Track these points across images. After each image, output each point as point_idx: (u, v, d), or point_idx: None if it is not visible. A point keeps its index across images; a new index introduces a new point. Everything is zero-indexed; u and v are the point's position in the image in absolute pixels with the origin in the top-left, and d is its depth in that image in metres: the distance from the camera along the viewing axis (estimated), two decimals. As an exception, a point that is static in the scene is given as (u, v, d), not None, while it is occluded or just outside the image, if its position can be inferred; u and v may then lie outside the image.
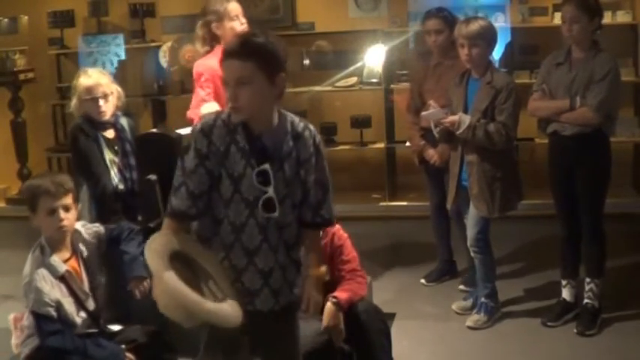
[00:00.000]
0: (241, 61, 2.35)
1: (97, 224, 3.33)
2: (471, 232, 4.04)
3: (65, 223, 3.05)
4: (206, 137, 2.42)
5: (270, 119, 2.46)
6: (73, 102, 3.77)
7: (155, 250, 2.35)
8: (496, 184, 3.91)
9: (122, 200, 3.74)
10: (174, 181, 2.47)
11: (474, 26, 3.87)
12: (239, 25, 3.87)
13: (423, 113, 4.15)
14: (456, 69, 4.30)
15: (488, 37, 3.90)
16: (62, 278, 3.02)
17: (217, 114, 2.49)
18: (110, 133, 3.80)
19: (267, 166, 2.43)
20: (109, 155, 3.76)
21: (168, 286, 2.27)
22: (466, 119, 3.88)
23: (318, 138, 2.57)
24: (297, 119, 2.55)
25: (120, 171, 3.77)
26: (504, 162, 3.95)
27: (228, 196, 2.44)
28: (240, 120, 2.42)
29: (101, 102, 3.73)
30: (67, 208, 3.06)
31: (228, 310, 2.36)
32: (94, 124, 3.76)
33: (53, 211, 3.02)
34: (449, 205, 4.25)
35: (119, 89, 3.86)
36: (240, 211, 2.45)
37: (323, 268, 2.61)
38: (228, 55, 2.39)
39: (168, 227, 2.48)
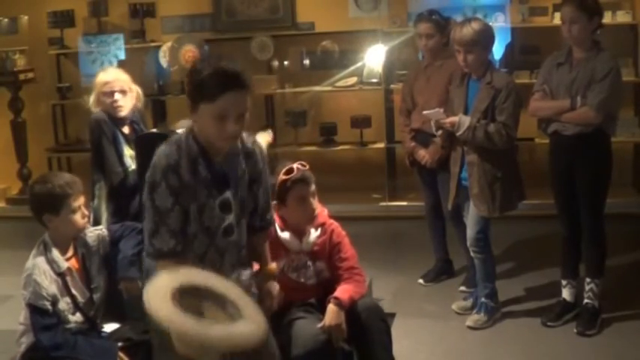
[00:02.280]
0: (245, 91, 2.37)
1: (101, 227, 3.35)
2: (470, 231, 4.03)
3: (86, 220, 3.15)
4: (175, 173, 2.40)
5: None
6: (92, 98, 3.77)
7: (155, 295, 2.20)
8: (497, 183, 3.90)
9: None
10: (148, 223, 2.43)
11: (467, 32, 3.80)
12: None
13: (425, 112, 4.13)
14: (446, 69, 4.34)
15: (483, 41, 3.84)
16: (62, 276, 3.04)
17: (176, 146, 2.43)
18: (126, 129, 3.82)
19: (228, 194, 2.49)
20: (128, 151, 3.77)
21: (171, 326, 2.12)
22: (466, 120, 3.85)
23: (264, 149, 2.68)
24: (244, 134, 2.55)
25: None
26: (505, 162, 3.94)
27: (195, 228, 2.47)
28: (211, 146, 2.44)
29: (118, 96, 3.76)
30: (85, 206, 3.14)
31: (243, 328, 2.18)
32: (112, 120, 3.76)
33: (75, 211, 3.07)
34: (449, 205, 4.24)
35: (139, 90, 3.89)
36: (202, 241, 2.50)
37: (273, 265, 2.78)
38: (231, 86, 2.33)
39: (162, 267, 2.42)
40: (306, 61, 6.73)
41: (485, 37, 3.86)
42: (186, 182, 2.41)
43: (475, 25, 3.84)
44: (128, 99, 3.80)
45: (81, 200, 3.11)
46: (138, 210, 3.65)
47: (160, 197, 2.40)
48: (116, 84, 3.76)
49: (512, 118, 3.85)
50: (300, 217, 3.16)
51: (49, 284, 2.99)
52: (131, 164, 3.76)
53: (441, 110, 4.01)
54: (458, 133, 3.89)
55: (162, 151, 2.44)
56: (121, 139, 3.76)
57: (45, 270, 3.01)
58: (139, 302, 3.15)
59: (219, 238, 2.51)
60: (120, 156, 3.73)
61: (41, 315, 2.96)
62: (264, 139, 3.39)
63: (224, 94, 2.32)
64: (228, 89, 2.32)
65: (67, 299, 3.04)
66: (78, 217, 3.09)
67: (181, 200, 2.41)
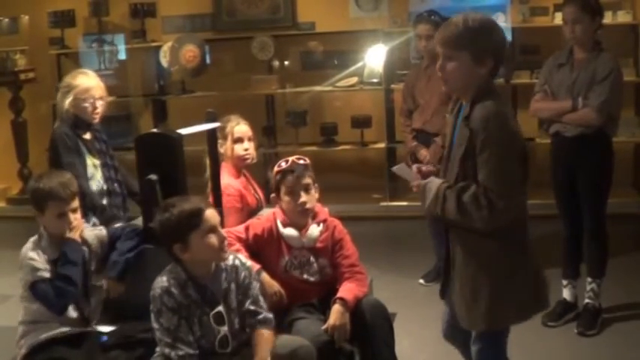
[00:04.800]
0: None
1: (101, 227, 3.35)
2: (473, 347, 2.69)
3: (75, 224, 3.11)
4: (171, 296, 2.72)
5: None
6: (69, 100, 3.76)
7: None
8: (484, 289, 2.53)
9: (108, 199, 3.80)
10: (165, 346, 2.70)
11: (451, 29, 2.51)
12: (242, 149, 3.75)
13: (394, 168, 2.83)
14: None
15: (471, 44, 2.47)
16: (55, 265, 3.04)
17: (166, 275, 2.76)
18: (88, 135, 3.83)
19: (220, 307, 2.78)
20: (91, 160, 3.79)
21: None
22: (433, 186, 2.55)
23: (246, 262, 2.91)
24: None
25: (103, 172, 3.82)
26: (499, 255, 2.53)
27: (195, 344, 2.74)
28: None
29: (99, 104, 3.76)
30: (74, 210, 3.11)
31: None
32: (75, 126, 3.76)
33: (63, 215, 3.06)
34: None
35: (108, 97, 3.90)
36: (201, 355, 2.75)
37: None
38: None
39: None
40: (305, 61, 6.73)
41: (478, 39, 2.48)
42: (179, 301, 2.72)
43: (469, 19, 2.50)
44: (103, 106, 3.82)
45: (73, 204, 3.09)
46: (108, 214, 3.71)
47: (166, 319, 2.71)
48: (97, 91, 3.77)
49: (499, 176, 2.42)
50: (291, 209, 3.19)
51: (44, 263, 3.01)
52: (94, 173, 3.78)
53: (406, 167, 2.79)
54: (424, 206, 2.58)
55: (155, 282, 2.77)
56: (83, 149, 3.77)
57: (38, 252, 3.03)
58: (139, 303, 3.17)
59: (215, 350, 2.77)
60: (84, 166, 3.76)
61: (45, 285, 2.97)
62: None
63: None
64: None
65: None
66: (64, 221, 3.06)
67: (183, 315, 2.72)
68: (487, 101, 2.47)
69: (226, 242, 2.82)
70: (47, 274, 2.99)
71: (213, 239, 2.71)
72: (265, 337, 2.83)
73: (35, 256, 3.02)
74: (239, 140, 3.72)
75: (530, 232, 2.61)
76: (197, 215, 2.69)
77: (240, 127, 3.74)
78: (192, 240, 2.69)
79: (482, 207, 2.40)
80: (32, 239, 3.12)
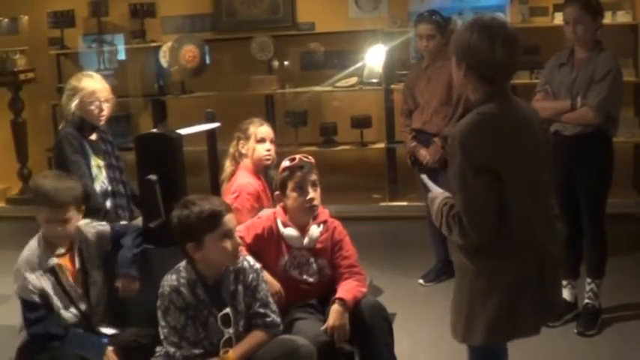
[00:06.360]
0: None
1: (104, 222, 3.35)
2: None
3: (60, 234, 3.09)
4: (180, 295, 2.75)
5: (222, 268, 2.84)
6: (75, 103, 3.76)
7: None
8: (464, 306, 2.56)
9: (113, 200, 3.79)
10: (170, 345, 2.72)
11: (453, 39, 2.52)
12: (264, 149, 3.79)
13: (422, 176, 3.00)
14: (447, 70, 4.32)
15: (453, 48, 2.49)
16: (52, 271, 3.04)
17: (176, 274, 2.79)
18: (94, 136, 3.83)
19: (227, 309, 2.80)
20: (95, 161, 3.79)
21: None
22: (437, 201, 2.53)
23: (254, 264, 2.91)
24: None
25: (107, 173, 3.81)
26: (479, 274, 2.47)
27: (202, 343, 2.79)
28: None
29: (105, 106, 3.77)
30: (65, 221, 3.07)
31: None
32: (81, 128, 3.76)
33: (50, 221, 3.07)
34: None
35: (114, 98, 3.91)
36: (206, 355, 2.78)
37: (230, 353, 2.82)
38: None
39: None
40: (305, 61, 6.73)
41: (456, 41, 2.47)
42: (188, 301, 2.75)
43: (463, 30, 2.47)
44: (109, 108, 3.83)
45: (62, 215, 3.05)
46: (111, 211, 3.71)
47: (173, 317, 2.74)
48: (103, 94, 3.78)
49: (460, 196, 2.38)
50: (298, 205, 3.20)
51: (36, 279, 3.02)
52: (97, 174, 3.78)
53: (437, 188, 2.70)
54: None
55: (164, 280, 2.80)
56: (89, 150, 3.78)
57: (34, 265, 3.04)
58: (143, 308, 3.17)
59: (218, 351, 2.79)
60: (88, 167, 3.76)
61: (30, 309, 3.01)
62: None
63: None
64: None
65: (60, 294, 3.06)
66: (51, 227, 3.06)
67: (191, 314, 2.75)
68: (471, 113, 2.42)
69: (240, 248, 2.84)
70: (37, 299, 3.01)
71: (227, 244, 2.74)
72: (257, 335, 2.85)
73: (29, 275, 3.02)
74: (262, 141, 3.80)
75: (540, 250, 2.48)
76: (216, 217, 2.71)
77: (263, 128, 3.83)
78: (207, 241, 2.72)
79: (457, 224, 2.38)
80: (31, 245, 3.11)
